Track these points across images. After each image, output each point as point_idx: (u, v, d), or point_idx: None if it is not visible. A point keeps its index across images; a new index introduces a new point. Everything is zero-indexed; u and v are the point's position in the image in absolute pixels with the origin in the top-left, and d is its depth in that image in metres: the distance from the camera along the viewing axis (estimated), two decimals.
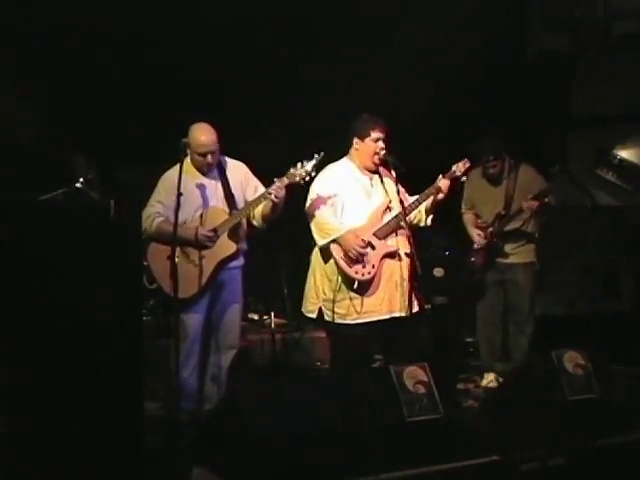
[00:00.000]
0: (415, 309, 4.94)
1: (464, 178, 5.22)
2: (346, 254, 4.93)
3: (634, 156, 7.88)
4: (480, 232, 6.05)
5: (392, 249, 4.99)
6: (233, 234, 4.95)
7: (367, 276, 4.94)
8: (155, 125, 6.54)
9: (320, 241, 4.99)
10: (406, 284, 4.95)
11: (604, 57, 7.96)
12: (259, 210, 4.99)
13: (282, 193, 4.82)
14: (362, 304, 4.94)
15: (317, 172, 4.90)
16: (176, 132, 4.79)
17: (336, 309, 4.97)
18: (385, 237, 5.01)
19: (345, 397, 3.99)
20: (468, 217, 6.23)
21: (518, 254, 6.02)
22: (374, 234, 4.99)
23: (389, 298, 4.95)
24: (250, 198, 5.03)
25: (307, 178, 4.84)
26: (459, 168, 5.10)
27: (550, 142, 7.73)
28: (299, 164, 4.83)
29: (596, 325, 5.89)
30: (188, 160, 4.97)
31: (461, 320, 6.68)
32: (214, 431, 4.02)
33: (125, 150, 6.67)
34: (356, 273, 4.93)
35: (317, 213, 4.98)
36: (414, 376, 4.09)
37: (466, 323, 6.46)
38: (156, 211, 4.92)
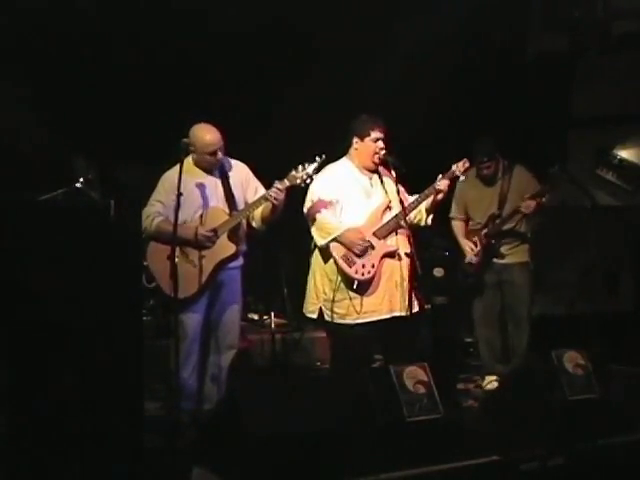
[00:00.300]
0: (415, 309, 4.93)
1: (462, 177, 5.23)
2: (347, 254, 4.93)
3: (634, 156, 7.88)
4: (472, 246, 6.04)
5: (392, 249, 4.99)
6: (233, 235, 4.95)
7: (367, 276, 4.94)
8: (155, 125, 6.54)
9: (320, 241, 4.99)
10: (406, 284, 4.95)
11: (604, 57, 7.95)
12: (259, 212, 4.99)
13: (283, 195, 4.82)
14: (362, 304, 4.94)
15: (317, 172, 4.90)
16: (176, 132, 4.79)
17: (336, 309, 4.97)
18: (385, 237, 5.01)
19: (345, 397, 3.99)
20: (458, 225, 6.18)
21: (513, 254, 6.02)
22: (374, 234, 4.99)
23: (389, 298, 4.95)
24: (250, 199, 5.03)
25: (308, 180, 4.85)
26: (459, 168, 5.10)
27: (550, 142, 7.73)
28: (300, 166, 4.83)
29: (596, 325, 5.89)
30: (189, 160, 4.98)
31: (461, 320, 6.67)
32: (214, 431, 4.02)
33: (125, 150, 6.67)
34: (356, 273, 4.93)
35: (317, 214, 4.98)
36: (414, 376, 4.09)
37: (466, 323, 6.45)
38: (156, 210, 4.92)
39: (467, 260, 6.05)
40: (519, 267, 6.02)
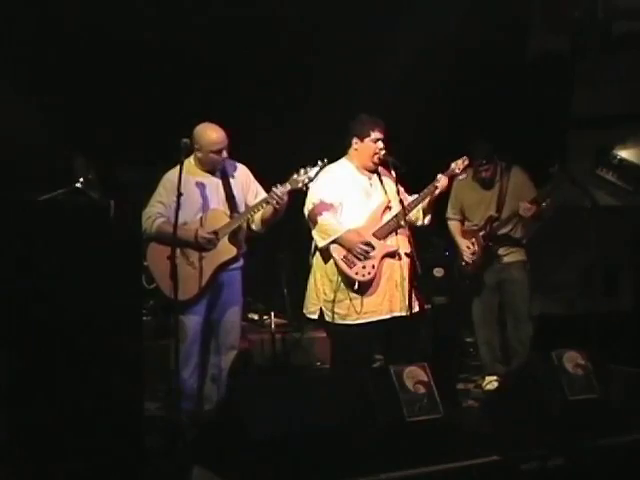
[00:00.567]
0: (415, 309, 4.93)
1: (462, 176, 5.24)
2: (347, 255, 4.94)
3: (634, 156, 7.87)
4: (469, 245, 6.03)
5: (392, 249, 4.99)
6: (233, 237, 4.94)
7: (367, 277, 4.94)
8: (155, 125, 6.54)
9: (320, 242, 4.99)
10: (406, 284, 4.95)
11: (604, 57, 7.95)
12: (259, 214, 4.99)
13: (285, 199, 4.83)
14: (362, 304, 4.94)
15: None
16: (176, 132, 4.79)
17: (336, 309, 4.97)
18: (385, 237, 5.01)
19: (345, 397, 3.99)
20: (454, 225, 6.19)
21: (511, 254, 6.02)
22: (373, 234, 4.99)
23: (389, 298, 4.95)
24: (250, 201, 5.03)
25: (309, 184, 4.85)
26: (458, 166, 5.11)
27: (550, 142, 7.73)
28: (302, 170, 4.83)
29: (596, 325, 5.88)
30: (191, 160, 4.98)
31: (461, 320, 6.67)
32: (214, 431, 4.01)
33: (125, 150, 6.67)
34: (356, 274, 4.93)
35: (317, 216, 4.98)
36: (414, 376, 4.09)
37: (466, 323, 6.45)
38: (157, 211, 4.91)
39: (464, 258, 6.04)
40: (517, 266, 6.02)
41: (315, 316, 5.08)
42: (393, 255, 4.99)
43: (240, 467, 3.65)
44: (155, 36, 6.70)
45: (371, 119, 5.07)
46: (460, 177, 5.24)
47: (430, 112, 7.17)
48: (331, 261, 4.99)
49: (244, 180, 5.10)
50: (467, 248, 6.03)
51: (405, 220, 4.95)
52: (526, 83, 7.79)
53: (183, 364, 4.78)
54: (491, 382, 6.06)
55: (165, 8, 6.74)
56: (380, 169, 5.13)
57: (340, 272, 4.96)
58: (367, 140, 5.03)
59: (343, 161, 5.15)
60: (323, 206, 4.98)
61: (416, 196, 5.08)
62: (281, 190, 4.80)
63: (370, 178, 5.11)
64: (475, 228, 6.05)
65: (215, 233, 4.88)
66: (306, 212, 5.03)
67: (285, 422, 3.74)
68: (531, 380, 4.56)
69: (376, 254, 4.96)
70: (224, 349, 5.04)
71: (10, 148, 6.04)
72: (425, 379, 4.10)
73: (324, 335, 5.74)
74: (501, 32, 7.66)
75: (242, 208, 5.02)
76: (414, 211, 5.12)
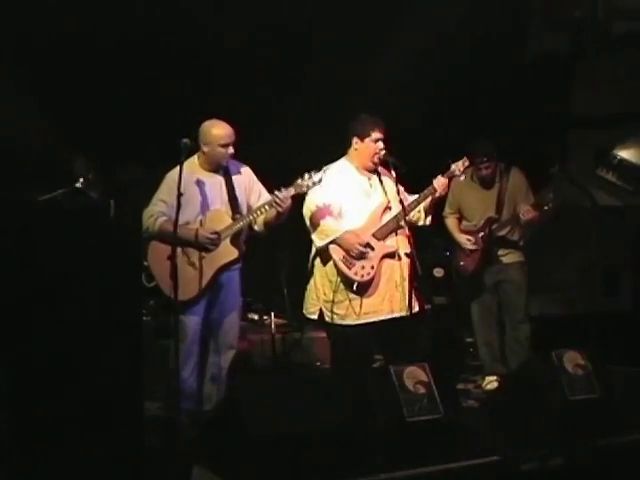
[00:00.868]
0: (415, 309, 4.93)
1: (462, 177, 5.24)
2: (346, 256, 4.93)
3: (634, 156, 7.87)
4: (470, 237, 6.03)
5: (391, 249, 4.99)
6: (235, 239, 4.94)
7: (367, 277, 4.94)
8: (155, 125, 6.54)
9: (319, 243, 4.99)
10: (406, 284, 4.95)
11: (604, 57, 7.95)
12: (262, 217, 4.99)
13: (288, 203, 4.83)
14: (362, 305, 4.94)
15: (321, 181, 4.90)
16: (176, 132, 4.78)
17: (336, 310, 4.97)
18: (384, 238, 5.00)
19: (345, 397, 3.99)
20: (452, 222, 6.17)
21: (509, 255, 6.02)
22: (373, 235, 4.99)
23: (389, 298, 4.95)
24: (253, 202, 5.03)
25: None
26: (458, 167, 5.11)
27: (550, 142, 7.73)
28: (306, 175, 4.83)
29: (596, 325, 5.88)
30: (195, 160, 4.98)
31: (461, 320, 6.67)
32: (214, 431, 4.01)
33: (125, 150, 6.67)
34: (356, 274, 4.93)
35: (319, 219, 4.98)
36: (414, 376, 4.09)
37: (466, 323, 6.45)
38: (159, 210, 4.89)
39: (466, 248, 6.02)
40: (515, 267, 6.02)
41: (315, 316, 5.08)
42: (393, 255, 4.99)
43: (240, 467, 3.65)
44: (156, 37, 6.70)
45: (371, 119, 5.07)
46: (460, 178, 5.23)
47: (430, 112, 7.17)
48: (330, 262, 4.99)
49: (247, 181, 5.09)
50: (467, 241, 6.01)
51: (405, 221, 4.95)
52: (526, 83, 7.79)
53: (182, 364, 4.78)
54: (491, 382, 6.06)
55: (165, 9, 6.74)
56: (380, 169, 5.13)
57: (339, 273, 4.96)
58: (367, 140, 5.03)
59: (342, 161, 5.15)
60: (325, 210, 4.97)
61: (416, 197, 5.08)
62: (284, 194, 4.80)
63: (370, 178, 5.11)
64: (474, 229, 6.05)
65: (217, 234, 4.88)
66: (307, 214, 5.02)
67: (285, 422, 3.74)
68: (531, 380, 4.56)
69: (375, 254, 4.96)
70: (223, 349, 5.04)
71: (10, 148, 6.05)
72: (425, 379, 4.10)
73: (324, 335, 5.74)
74: (501, 32, 7.67)
75: (244, 209, 5.02)
76: (415, 211, 5.12)
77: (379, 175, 5.13)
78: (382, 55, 7.22)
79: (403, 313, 4.93)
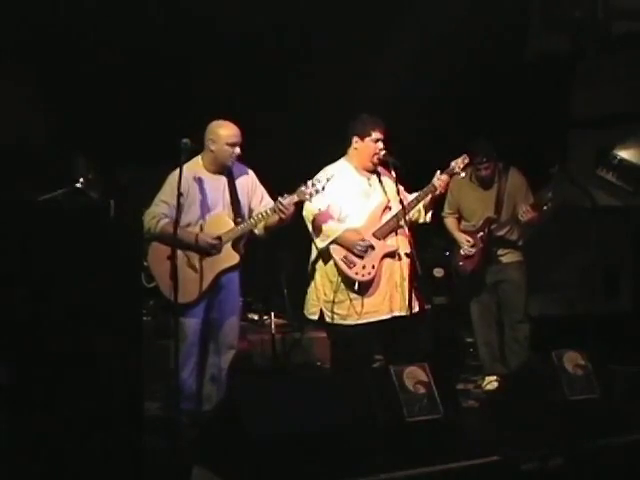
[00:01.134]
0: (415, 309, 4.93)
1: (462, 174, 5.24)
2: (346, 255, 4.94)
3: (634, 156, 7.87)
4: (469, 238, 6.03)
5: (392, 249, 4.99)
6: (236, 243, 4.95)
7: (367, 277, 4.94)
8: (155, 125, 6.54)
9: (320, 243, 4.99)
10: (406, 284, 4.95)
11: (604, 57, 7.95)
12: (264, 222, 4.99)
13: (291, 210, 4.85)
14: (363, 305, 4.94)
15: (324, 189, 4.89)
16: (176, 132, 4.78)
17: (336, 310, 4.97)
18: (385, 237, 5.01)
19: (345, 397, 3.99)
20: (451, 221, 6.17)
21: (508, 255, 6.02)
22: (373, 234, 4.99)
23: (390, 298, 4.96)
24: (255, 206, 5.04)
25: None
26: (458, 164, 5.12)
27: (550, 142, 7.73)
28: (310, 182, 4.85)
29: (596, 325, 5.88)
30: (199, 160, 4.97)
31: (461, 320, 6.67)
32: (214, 431, 4.01)
33: (125, 150, 6.66)
34: (356, 274, 4.93)
35: (317, 220, 4.98)
36: (414, 376, 4.09)
37: (466, 323, 6.45)
38: (162, 212, 4.88)
39: (464, 251, 6.02)
40: (514, 266, 6.02)
41: (315, 317, 5.08)
42: (393, 255, 4.99)
43: (240, 467, 3.65)
44: (156, 37, 6.69)
45: (372, 119, 5.08)
46: (460, 175, 5.23)
47: (430, 112, 7.17)
48: (331, 262, 4.99)
49: (250, 184, 5.09)
50: (467, 241, 6.02)
51: (405, 220, 4.95)
52: (526, 83, 7.79)
53: (182, 364, 4.78)
54: (491, 382, 6.06)
55: (165, 9, 6.74)
56: (379, 169, 5.13)
57: (340, 273, 4.96)
58: (367, 140, 5.03)
59: (341, 162, 5.15)
60: (326, 214, 4.98)
61: (416, 195, 5.09)
62: (288, 201, 4.82)
63: (369, 178, 5.11)
64: (473, 229, 6.05)
65: (219, 238, 4.88)
66: (309, 217, 5.00)
67: (285, 422, 3.74)
68: (531, 380, 4.56)
69: (376, 254, 4.96)
70: (223, 349, 5.04)
71: (10, 148, 6.04)
72: (425, 379, 4.10)
73: (324, 335, 5.74)
74: (501, 32, 7.66)
75: (246, 212, 5.02)
76: (414, 210, 5.12)
77: (378, 175, 5.13)
78: (382, 55, 7.22)
79: (403, 313, 4.93)
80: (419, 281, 4.94)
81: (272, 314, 6.69)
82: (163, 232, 4.83)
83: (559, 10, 8.18)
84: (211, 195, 4.95)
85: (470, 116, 7.28)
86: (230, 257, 4.92)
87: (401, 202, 4.95)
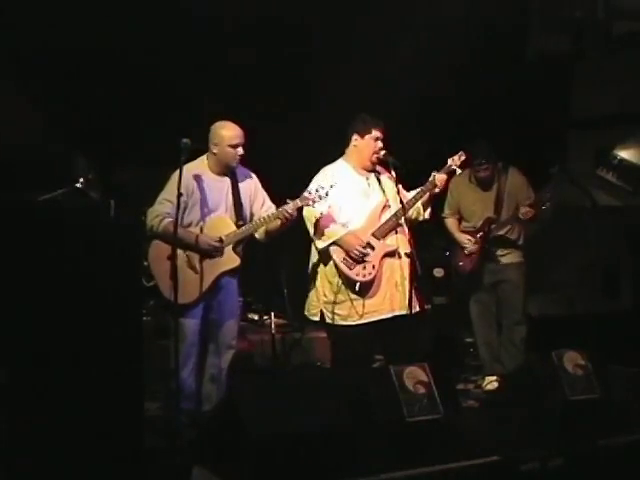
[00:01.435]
0: (416, 309, 4.93)
1: (459, 171, 5.24)
2: (346, 257, 4.94)
3: (634, 156, 7.87)
4: (470, 237, 6.03)
5: (392, 248, 5.00)
6: (237, 246, 4.95)
7: (368, 277, 4.94)
8: (155, 125, 6.54)
9: (321, 245, 4.99)
10: (406, 283, 4.95)
11: (604, 57, 7.95)
12: (265, 226, 4.99)
13: (294, 215, 4.86)
14: (363, 305, 4.95)
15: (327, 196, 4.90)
16: (176, 132, 4.78)
17: (337, 310, 4.97)
18: (384, 236, 5.01)
19: (345, 397, 3.99)
20: (451, 222, 6.18)
21: (508, 255, 6.03)
22: (372, 234, 4.99)
23: (390, 297, 4.96)
24: (256, 210, 5.04)
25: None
26: (454, 161, 5.13)
27: (550, 142, 7.73)
28: (313, 189, 4.87)
29: (596, 325, 5.88)
30: (204, 160, 4.97)
31: (461, 320, 6.67)
32: (214, 431, 4.01)
33: (125, 150, 6.66)
34: (357, 275, 4.93)
35: (320, 224, 4.98)
36: (414, 376, 4.09)
37: (466, 323, 6.45)
38: (165, 211, 4.87)
39: (466, 251, 6.02)
40: (514, 267, 6.02)
41: (316, 318, 5.09)
42: (393, 254, 4.99)
43: (240, 467, 3.65)
44: (156, 37, 6.69)
45: (372, 119, 5.09)
46: (457, 172, 5.23)
47: (429, 111, 7.16)
48: (331, 263, 4.99)
49: (252, 188, 5.10)
50: (467, 241, 6.02)
51: (405, 218, 4.95)
52: (526, 83, 7.79)
53: (182, 364, 4.78)
54: (491, 382, 6.06)
55: (165, 9, 6.74)
56: (378, 168, 5.14)
57: (340, 274, 4.96)
58: (368, 137, 5.04)
59: (340, 162, 5.15)
60: (327, 217, 4.98)
61: (414, 193, 5.09)
62: (291, 207, 4.82)
63: (367, 178, 5.12)
64: (473, 230, 6.05)
65: (220, 240, 4.88)
66: (311, 219, 5.00)
67: (285, 422, 3.74)
68: (531, 380, 4.56)
69: (376, 254, 4.96)
70: (223, 349, 5.04)
71: (10, 148, 6.04)
72: (425, 379, 4.10)
73: (324, 335, 5.74)
74: (501, 32, 7.66)
75: (247, 216, 5.03)
76: (413, 208, 5.12)
77: (377, 174, 5.13)
78: (382, 55, 7.22)
79: (404, 311, 4.93)
80: (419, 281, 4.94)
81: (272, 314, 6.69)
82: (166, 231, 4.83)
83: (559, 10, 8.18)
84: (214, 196, 4.95)
85: (470, 116, 7.27)
86: (231, 260, 4.93)
87: (400, 201, 4.95)
